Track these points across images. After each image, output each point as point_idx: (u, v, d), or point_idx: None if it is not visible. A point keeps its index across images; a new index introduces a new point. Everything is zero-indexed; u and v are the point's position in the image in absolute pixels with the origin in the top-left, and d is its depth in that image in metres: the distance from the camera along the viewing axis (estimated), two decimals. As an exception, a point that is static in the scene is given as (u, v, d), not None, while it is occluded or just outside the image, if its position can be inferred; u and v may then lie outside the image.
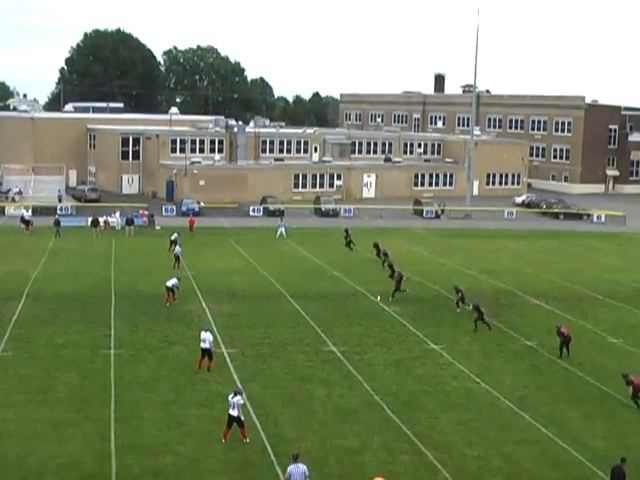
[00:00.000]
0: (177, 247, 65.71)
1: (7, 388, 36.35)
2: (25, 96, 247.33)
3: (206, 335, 39.47)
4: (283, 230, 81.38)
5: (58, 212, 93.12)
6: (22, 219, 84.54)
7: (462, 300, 52.62)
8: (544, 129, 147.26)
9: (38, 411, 33.61)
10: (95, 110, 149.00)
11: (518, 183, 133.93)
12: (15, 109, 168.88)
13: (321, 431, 32.46)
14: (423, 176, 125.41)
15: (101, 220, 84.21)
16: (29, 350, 42.05)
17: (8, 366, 39.40)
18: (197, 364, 39.52)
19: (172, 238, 70.34)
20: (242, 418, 31.30)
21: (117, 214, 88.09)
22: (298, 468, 26.26)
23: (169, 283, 52.72)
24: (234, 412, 31.15)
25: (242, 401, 31.68)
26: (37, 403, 34.53)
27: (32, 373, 38.45)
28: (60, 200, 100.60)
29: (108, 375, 38.42)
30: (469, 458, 30.65)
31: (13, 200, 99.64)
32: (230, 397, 31.47)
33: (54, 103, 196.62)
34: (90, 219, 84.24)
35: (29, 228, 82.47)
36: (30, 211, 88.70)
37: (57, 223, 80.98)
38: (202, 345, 39.52)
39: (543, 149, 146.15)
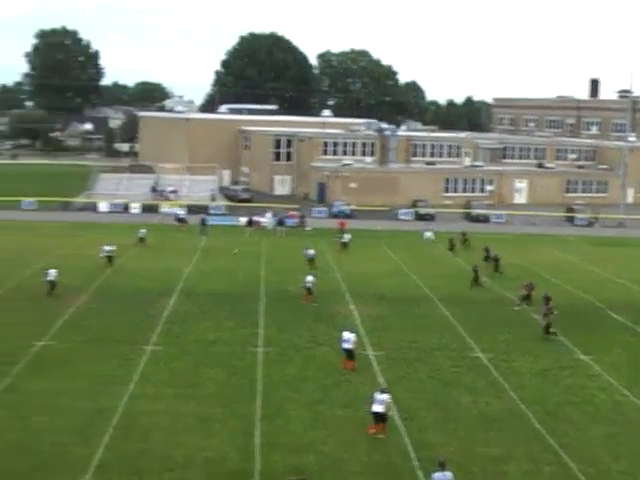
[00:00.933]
0: (306, 250, 66.30)
1: (157, 381, 37.24)
2: (181, 97, 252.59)
3: (350, 335, 39.71)
4: (430, 234, 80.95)
5: (211, 211, 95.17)
6: (177, 217, 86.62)
7: (548, 312, 49.09)
8: None
9: (186, 405, 34.32)
10: (249, 112, 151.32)
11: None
12: (171, 110, 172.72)
13: (465, 438, 32.18)
14: (576, 183, 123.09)
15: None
16: (180, 345, 43.02)
17: (159, 360, 40.39)
18: (342, 365, 39.73)
19: (345, 240, 72.20)
20: (387, 415, 31.78)
21: (269, 214, 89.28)
22: (445, 477, 26.04)
23: (307, 284, 53.62)
24: (379, 408, 31.53)
25: (390, 400, 32.07)
26: (186, 397, 35.25)
27: (182, 368, 39.31)
28: (213, 200, 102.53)
29: (255, 373, 38.94)
30: (615, 473, 29.88)
31: (168, 199, 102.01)
32: (377, 394, 31.94)
33: (209, 105, 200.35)
34: (246, 219, 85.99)
35: (183, 226, 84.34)
36: (185, 210, 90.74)
37: (203, 222, 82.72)
38: (344, 345, 39.74)
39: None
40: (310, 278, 53.94)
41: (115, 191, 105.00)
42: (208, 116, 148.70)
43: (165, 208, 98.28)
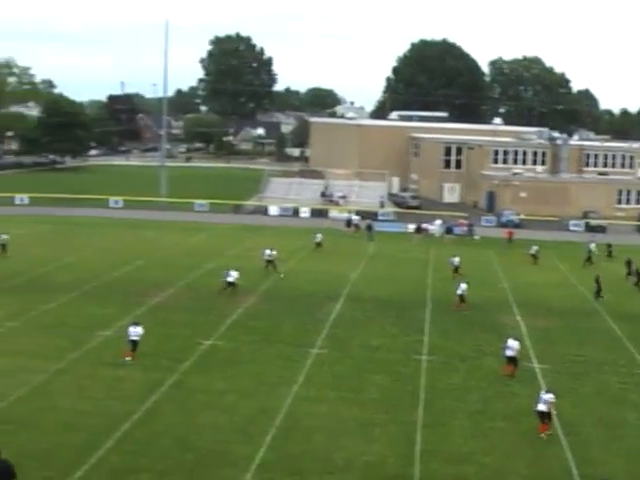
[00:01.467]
0: (452, 258, 65.89)
1: (321, 384, 37.64)
2: (352, 104, 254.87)
3: (514, 343, 39.68)
4: (594, 246, 78.88)
5: (379, 217, 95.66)
6: (349, 222, 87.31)
7: None
8: None
9: (349, 409, 34.54)
10: (419, 119, 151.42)
11: None
12: (342, 116, 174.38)
13: (629, 457, 31.32)
14: None
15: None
16: (344, 349, 43.36)
17: (323, 363, 40.81)
18: (505, 374, 39.41)
19: (532, 252, 72.20)
20: (551, 414, 32.14)
21: (438, 222, 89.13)
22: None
23: (459, 291, 53.57)
24: (543, 407, 31.90)
25: (554, 399, 32.22)
26: (348, 401, 35.49)
27: (345, 372, 39.62)
28: (382, 206, 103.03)
29: (418, 380, 38.91)
30: None
31: (337, 204, 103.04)
32: (542, 393, 32.52)
33: (379, 111, 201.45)
34: (415, 226, 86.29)
35: (355, 231, 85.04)
36: (357, 215, 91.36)
37: (369, 228, 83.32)
38: (507, 352, 39.66)
39: None
40: (463, 286, 53.79)
41: (285, 195, 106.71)
42: (379, 122, 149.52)
43: (334, 213, 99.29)
